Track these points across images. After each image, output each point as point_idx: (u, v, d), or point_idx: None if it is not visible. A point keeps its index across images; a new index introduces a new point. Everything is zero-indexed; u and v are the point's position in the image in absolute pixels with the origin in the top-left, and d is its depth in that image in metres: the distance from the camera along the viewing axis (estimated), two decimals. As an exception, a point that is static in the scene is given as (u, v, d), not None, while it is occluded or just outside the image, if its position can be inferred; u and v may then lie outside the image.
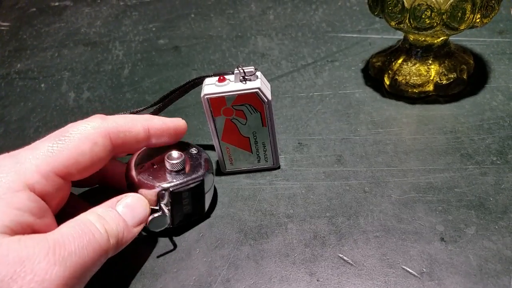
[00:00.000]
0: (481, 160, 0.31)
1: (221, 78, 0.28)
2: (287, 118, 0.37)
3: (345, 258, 0.26)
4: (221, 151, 0.31)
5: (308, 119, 0.37)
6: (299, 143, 0.35)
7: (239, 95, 0.28)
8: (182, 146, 0.29)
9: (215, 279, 0.26)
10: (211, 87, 0.28)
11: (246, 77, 0.28)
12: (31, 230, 0.22)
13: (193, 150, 0.29)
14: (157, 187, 0.27)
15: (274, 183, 0.32)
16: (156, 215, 0.27)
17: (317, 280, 0.25)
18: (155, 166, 0.28)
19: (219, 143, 0.31)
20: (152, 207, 0.27)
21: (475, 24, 0.33)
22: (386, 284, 0.25)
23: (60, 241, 0.22)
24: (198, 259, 0.27)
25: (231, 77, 0.29)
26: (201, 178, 0.28)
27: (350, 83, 0.40)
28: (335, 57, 0.44)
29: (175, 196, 0.27)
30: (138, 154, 0.29)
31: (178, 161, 0.27)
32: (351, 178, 0.31)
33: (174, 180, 0.27)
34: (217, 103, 0.28)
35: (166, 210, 0.27)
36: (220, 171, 0.33)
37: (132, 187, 0.27)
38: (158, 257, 0.28)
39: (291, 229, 0.28)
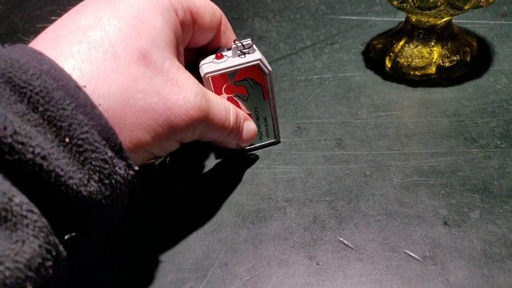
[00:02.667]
0: (485, 143, 0.31)
1: (219, 54, 0.27)
2: (286, 102, 0.36)
3: (345, 242, 0.26)
4: None
5: (307, 102, 0.36)
6: (298, 127, 0.34)
7: (240, 69, 0.27)
8: None
9: (212, 262, 0.25)
10: (209, 65, 0.27)
11: (244, 50, 0.27)
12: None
13: None
14: None
15: (272, 167, 0.31)
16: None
17: (317, 264, 0.25)
18: None
19: None
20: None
21: (480, 4, 0.32)
22: (388, 268, 0.24)
23: (207, 97, 0.24)
24: (195, 243, 0.26)
25: (227, 52, 0.28)
26: (152, 163, 0.29)
27: (350, 66, 0.39)
28: (334, 40, 0.43)
29: None
30: None
31: None
32: (351, 162, 0.31)
33: None
34: (219, 81, 0.28)
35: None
36: (221, 155, 0.32)
37: None
38: (153, 240, 0.27)
39: (290, 213, 0.28)
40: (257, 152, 0.32)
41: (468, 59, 0.37)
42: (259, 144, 0.32)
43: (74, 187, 0.17)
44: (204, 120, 0.24)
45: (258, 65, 0.27)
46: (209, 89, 0.28)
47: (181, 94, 0.22)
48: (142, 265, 0.26)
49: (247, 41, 0.27)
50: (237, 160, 0.32)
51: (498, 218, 0.26)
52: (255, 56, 0.27)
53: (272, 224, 0.27)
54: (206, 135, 0.25)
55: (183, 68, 0.23)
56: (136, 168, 0.21)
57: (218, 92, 0.28)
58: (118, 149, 0.20)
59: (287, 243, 0.26)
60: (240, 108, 0.29)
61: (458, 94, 0.35)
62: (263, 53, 0.42)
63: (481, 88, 0.35)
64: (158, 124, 0.21)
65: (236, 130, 0.27)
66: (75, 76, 0.19)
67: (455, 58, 0.36)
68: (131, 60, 0.21)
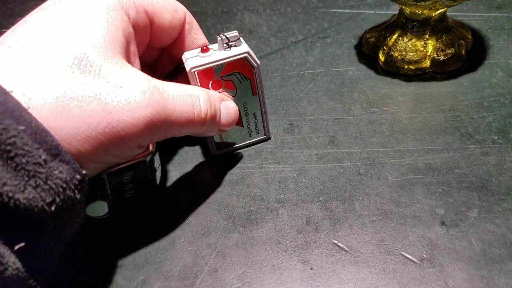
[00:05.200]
0: (481, 139, 0.30)
1: (204, 48, 0.26)
2: (277, 98, 0.35)
3: (340, 244, 0.25)
4: None
5: (299, 98, 0.35)
6: (290, 124, 0.33)
7: (227, 63, 0.26)
8: None
9: (201, 269, 0.24)
10: (195, 59, 0.26)
11: (230, 43, 0.26)
12: (120, 54, 0.22)
13: None
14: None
15: (263, 167, 0.30)
16: (92, 201, 0.24)
17: (311, 268, 0.24)
18: None
19: None
20: (90, 193, 0.25)
21: (476, -5, 0.31)
22: (384, 271, 0.23)
23: (161, 90, 0.22)
24: (183, 248, 0.25)
25: (213, 46, 0.27)
26: (143, 159, 0.25)
27: (343, 60, 0.38)
28: (326, 34, 0.42)
29: (114, 181, 0.25)
30: None
31: None
32: (345, 160, 0.30)
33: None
34: (206, 76, 0.26)
35: (104, 196, 0.25)
36: (210, 154, 0.31)
37: None
38: (139, 246, 0.26)
39: (282, 214, 0.27)
40: (247, 150, 0.31)
41: (463, 52, 0.36)
42: (248, 141, 0.31)
43: (10, 194, 0.17)
44: (161, 117, 0.21)
45: (246, 58, 0.26)
46: (195, 85, 0.27)
47: (124, 94, 0.20)
48: (127, 274, 0.24)
49: (233, 34, 0.26)
50: (227, 160, 0.31)
51: (497, 217, 0.25)
52: (243, 48, 0.26)
53: (264, 227, 0.26)
54: (174, 132, 0.23)
55: (130, 67, 0.22)
56: (84, 172, 0.20)
57: (205, 87, 0.27)
58: (56, 152, 0.18)
59: (279, 247, 0.25)
60: None
61: (454, 88, 0.34)
62: (253, 47, 0.41)
63: (477, 82, 0.35)
64: (98, 133, 0.20)
65: (213, 117, 0.25)
66: (5, 85, 0.18)
67: (450, 51, 0.35)
68: (65, 66, 0.20)
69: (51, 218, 0.18)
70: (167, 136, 0.23)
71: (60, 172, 0.18)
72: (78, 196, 0.20)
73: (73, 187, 0.19)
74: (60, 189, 0.18)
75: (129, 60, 0.23)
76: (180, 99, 0.23)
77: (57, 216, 0.19)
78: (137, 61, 0.24)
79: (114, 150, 0.21)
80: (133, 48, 0.24)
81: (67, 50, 0.20)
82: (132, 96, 0.20)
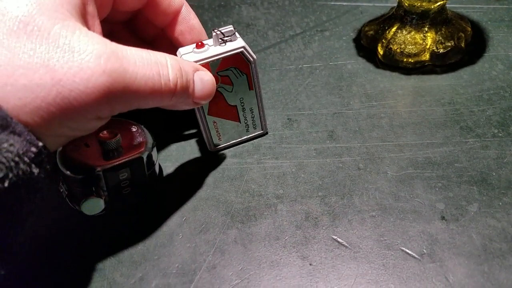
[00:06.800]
0: (482, 132, 0.29)
1: (199, 44, 0.26)
2: (275, 93, 0.35)
3: (339, 240, 0.25)
4: (208, 127, 0.29)
5: (297, 93, 0.35)
6: (288, 118, 0.33)
7: (224, 58, 0.26)
8: (120, 123, 0.27)
9: (200, 265, 0.24)
10: (190, 55, 0.26)
11: (225, 38, 0.26)
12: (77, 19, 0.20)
13: (133, 128, 0.27)
14: (89, 169, 0.24)
15: (262, 162, 0.30)
16: (88, 198, 0.24)
17: (310, 264, 0.24)
18: (88, 146, 0.25)
19: (205, 118, 0.28)
20: (86, 190, 0.25)
21: (475, -13, 0.31)
22: (384, 267, 0.23)
23: (120, 55, 0.20)
24: (181, 245, 0.25)
25: (209, 41, 0.26)
26: (139, 156, 0.25)
27: (342, 54, 0.38)
28: (325, 27, 0.41)
29: (110, 178, 0.25)
30: None
31: (111, 140, 0.25)
32: (344, 154, 0.29)
33: (108, 161, 0.24)
34: None
35: (101, 193, 0.24)
36: (207, 150, 0.31)
37: (64, 168, 0.24)
38: (136, 243, 0.26)
39: (281, 210, 0.26)
40: (245, 145, 0.31)
41: (462, 44, 0.35)
42: (246, 137, 0.31)
43: None
44: (120, 86, 0.19)
45: (242, 52, 0.26)
46: None
47: (76, 60, 0.18)
48: (125, 271, 0.24)
49: (229, 28, 0.26)
50: (225, 155, 0.30)
51: (498, 211, 0.25)
52: (238, 43, 0.26)
53: (263, 223, 0.26)
54: (138, 103, 0.21)
55: (85, 30, 0.20)
56: (41, 144, 0.18)
57: None
58: (4, 124, 0.17)
59: (278, 243, 0.25)
60: (225, 101, 0.28)
61: (453, 81, 0.34)
62: (251, 41, 0.40)
63: (477, 74, 0.34)
64: (48, 104, 0.18)
65: (184, 88, 0.23)
66: None
67: (450, 44, 0.35)
68: (9, 31, 0.18)
69: (6, 195, 0.17)
70: (131, 108, 0.21)
71: (11, 145, 0.17)
72: (35, 171, 0.18)
73: (28, 160, 0.18)
74: (12, 164, 0.17)
75: (86, 23, 0.21)
76: (143, 67, 0.20)
77: (12, 193, 0.18)
78: (96, 24, 0.22)
79: (69, 122, 0.19)
80: (91, 9, 0.22)
81: (11, 13, 0.18)
82: (85, 62, 0.18)
